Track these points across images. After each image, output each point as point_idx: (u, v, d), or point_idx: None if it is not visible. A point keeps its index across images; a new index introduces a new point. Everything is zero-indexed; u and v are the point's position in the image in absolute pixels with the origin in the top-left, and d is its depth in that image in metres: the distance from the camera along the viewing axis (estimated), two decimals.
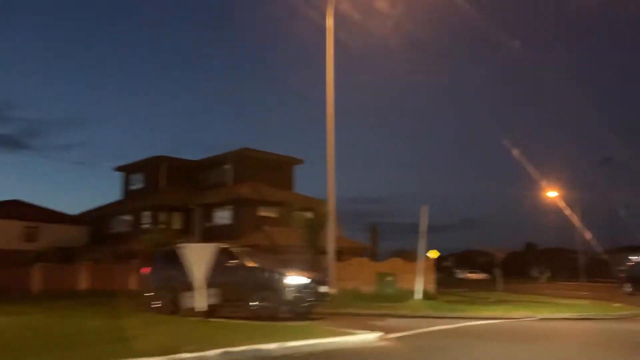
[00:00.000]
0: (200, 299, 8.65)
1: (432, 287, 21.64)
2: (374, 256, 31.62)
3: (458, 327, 10.98)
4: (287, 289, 12.41)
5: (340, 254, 23.98)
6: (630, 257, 57.37)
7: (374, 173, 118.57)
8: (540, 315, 14.10)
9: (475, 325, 11.79)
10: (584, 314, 14.38)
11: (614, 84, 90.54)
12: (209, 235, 25.74)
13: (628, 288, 26.23)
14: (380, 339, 8.18)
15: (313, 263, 18.97)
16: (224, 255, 13.36)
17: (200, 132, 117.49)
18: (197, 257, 8.57)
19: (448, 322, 11.80)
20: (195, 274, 8.61)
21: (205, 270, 8.66)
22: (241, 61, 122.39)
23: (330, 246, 18.55)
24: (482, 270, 61.26)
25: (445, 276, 60.20)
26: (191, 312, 9.32)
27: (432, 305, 15.64)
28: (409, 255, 24.41)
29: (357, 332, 8.15)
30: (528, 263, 66.86)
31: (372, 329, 9.46)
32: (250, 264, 12.99)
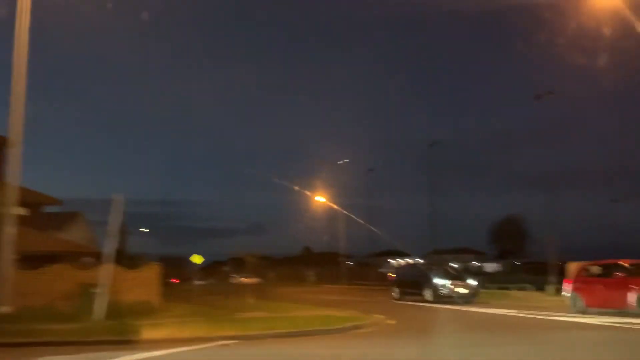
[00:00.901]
0: None
1: (156, 299, 18.25)
2: (121, 262, 27.13)
3: None
4: None
5: (52, 259, 19.29)
6: (389, 260, 62.14)
7: (171, 175, 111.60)
8: (250, 332, 11.71)
9: None
10: (302, 329, 12.36)
11: (383, 98, 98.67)
12: None
13: (396, 293, 25.09)
14: None
15: None
16: None
17: None
18: None
19: None
20: None
21: None
22: None
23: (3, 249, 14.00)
24: (256, 275, 61.30)
25: (219, 281, 58.07)
26: None
27: (113, 327, 12.03)
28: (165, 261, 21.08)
29: None
30: (304, 266, 68.52)
31: None
32: None
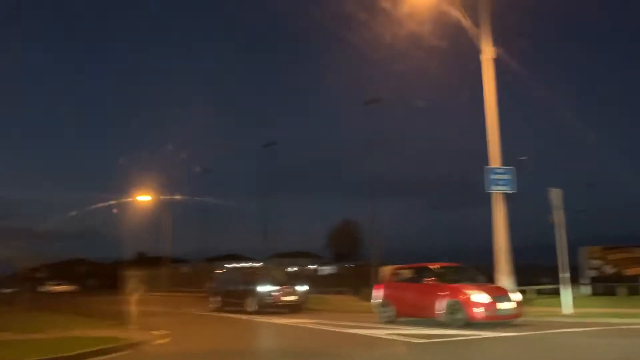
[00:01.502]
0: None
1: None
2: None
3: None
4: None
5: None
6: (226, 265, 59.04)
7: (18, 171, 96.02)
8: None
9: None
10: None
11: (223, 96, 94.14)
12: None
13: (216, 303, 21.15)
14: None
15: None
16: None
17: None
18: None
19: None
20: None
21: None
22: None
23: None
24: (74, 281, 55.72)
25: (28, 289, 50.71)
26: None
27: None
28: None
29: None
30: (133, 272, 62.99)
31: None
32: None
